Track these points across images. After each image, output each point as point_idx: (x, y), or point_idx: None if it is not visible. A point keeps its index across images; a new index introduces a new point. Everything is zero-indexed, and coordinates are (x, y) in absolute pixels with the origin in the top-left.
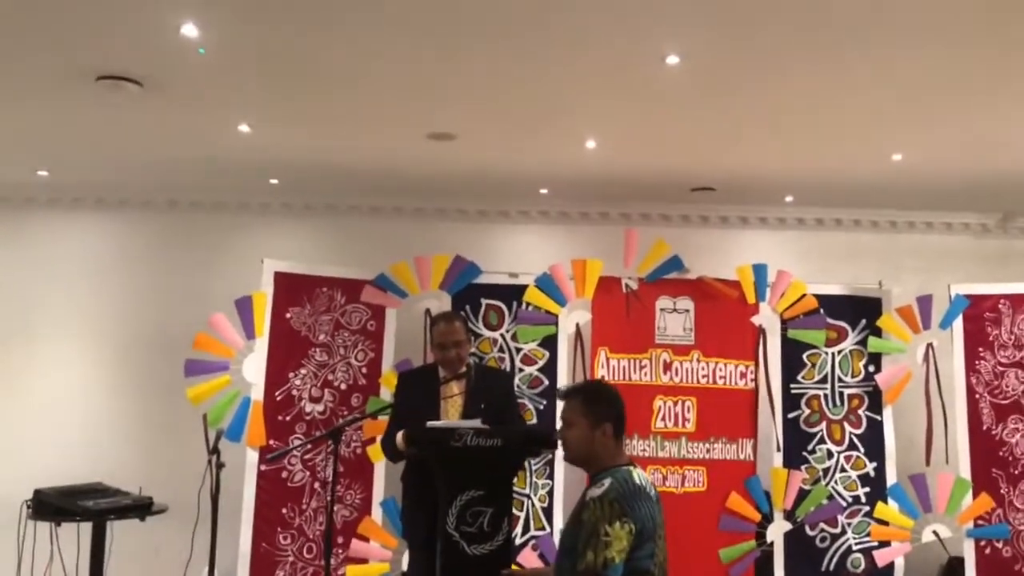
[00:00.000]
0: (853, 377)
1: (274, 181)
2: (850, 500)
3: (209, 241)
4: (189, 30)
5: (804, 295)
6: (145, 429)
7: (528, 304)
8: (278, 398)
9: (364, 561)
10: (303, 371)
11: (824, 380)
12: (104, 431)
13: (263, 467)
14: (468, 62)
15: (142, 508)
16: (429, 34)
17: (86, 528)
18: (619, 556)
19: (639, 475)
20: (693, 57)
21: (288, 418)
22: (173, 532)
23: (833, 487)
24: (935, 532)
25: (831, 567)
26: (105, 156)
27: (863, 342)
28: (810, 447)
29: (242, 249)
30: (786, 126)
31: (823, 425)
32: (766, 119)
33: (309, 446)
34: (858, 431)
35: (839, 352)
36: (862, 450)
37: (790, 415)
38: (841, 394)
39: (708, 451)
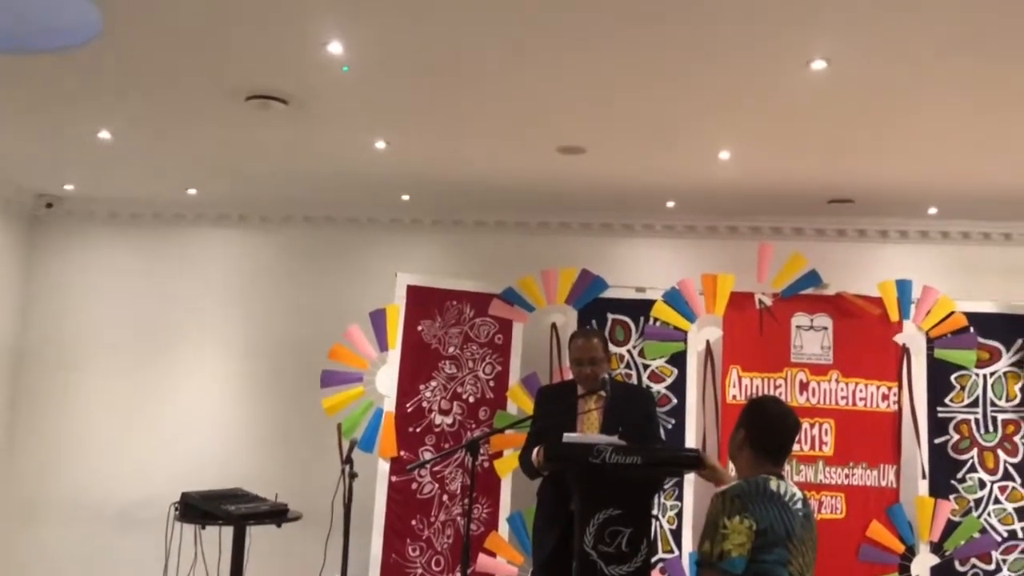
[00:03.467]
0: (1008, 401)
1: (405, 197)
2: (1005, 534)
3: (343, 255)
4: (335, 47)
5: (952, 313)
6: (282, 438)
7: (656, 319)
8: (409, 410)
9: None
10: (433, 383)
11: (975, 404)
12: (244, 439)
13: (394, 478)
14: (601, 73)
15: (279, 514)
16: (563, 47)
17: (227, 531)
18: (737, 551)
19: (780, 484)
20: (840, 61)
21: (418, 430)
22: (307, 538)
23: (986, 519)
24: None
25: None
26: (249, 174)
27: (1019, 363)
28: (959, 475)
29: (373, 263)
30: (935, 134)
31: (974, 452)
32: (914, 126)
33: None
34: (1014, 459)
35: (992, 374)
36: (1019, 480)
37: (937, 440)
38: (994, 419)
39: (847, 476)
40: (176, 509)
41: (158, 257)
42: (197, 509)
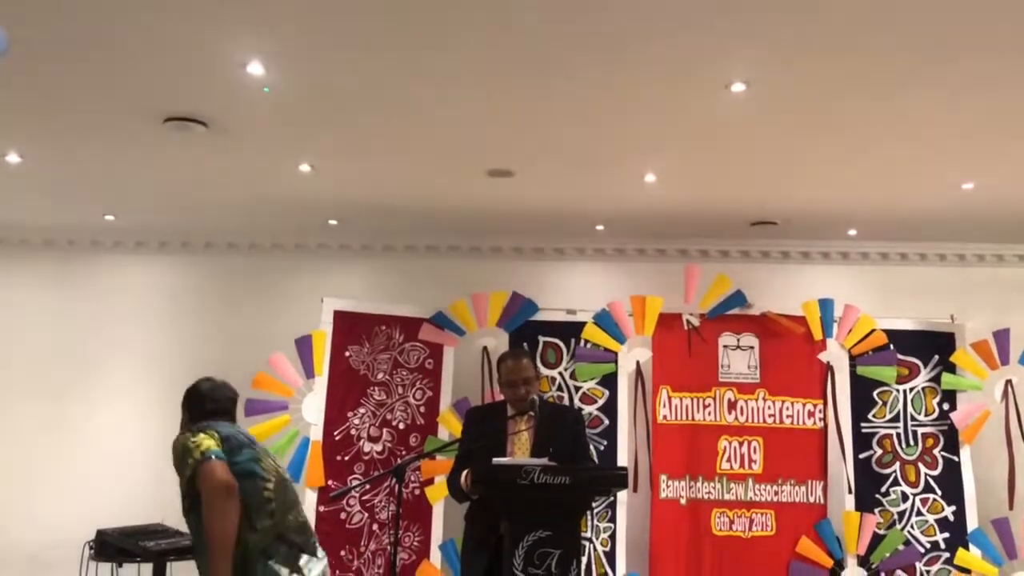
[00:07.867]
0: (927, 415)
1: (333, 222)
2: (928, 546)
3: (268, 282)
4: (255, 68)
5: (873, 330)
6: None
7: (587, 341)
8: (337, 438)
9: None
10: (362, 410)
11: (896, 418)
12: (165, 471)
13: (322, 508)
14: (527, 97)
15: None
16: (489, 72)
17: (147, 568)
18: None
19: None
20: (758, 84)
21: (347, 458)
22: None
23: (909, 532)
24: None
25: None
26: (169, 199)
27: (936, 379)
28: (883, 489)
29: (300, 290)
30: (851, 157)
31: (896, 466)
32: (831, 149)
33: (368, 486)
34: (934, 472)
35: (911, 389)
36: (939, 492)
37: (861, 455)
38: (915, 433)
39: (776, 493)
40: (91, 548)
41: (73, 285)
42: (112, 546)
